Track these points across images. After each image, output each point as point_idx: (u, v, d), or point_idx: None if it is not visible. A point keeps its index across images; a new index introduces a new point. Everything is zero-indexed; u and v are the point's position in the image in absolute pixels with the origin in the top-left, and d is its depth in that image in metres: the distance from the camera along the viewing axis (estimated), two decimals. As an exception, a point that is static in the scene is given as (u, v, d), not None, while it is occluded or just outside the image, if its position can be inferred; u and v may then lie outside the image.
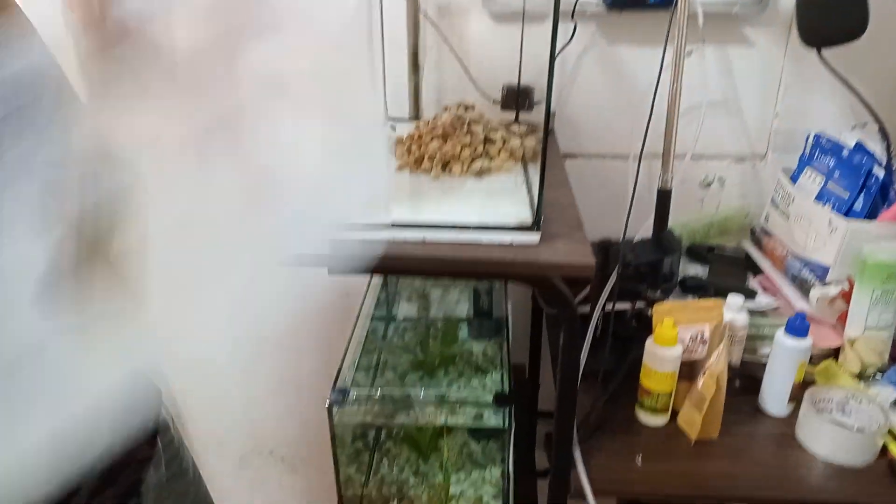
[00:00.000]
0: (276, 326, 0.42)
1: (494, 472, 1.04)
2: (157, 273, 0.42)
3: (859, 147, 1.03)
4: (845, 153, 1.05)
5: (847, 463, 0.85)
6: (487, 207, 0.83)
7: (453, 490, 1.02)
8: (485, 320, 1.23)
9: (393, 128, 1.11)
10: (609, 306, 0.98)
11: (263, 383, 1.57)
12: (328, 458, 0.96)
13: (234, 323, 0.44)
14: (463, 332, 1.22)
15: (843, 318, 1.01)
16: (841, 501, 0.82)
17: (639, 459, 0.87)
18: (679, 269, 1.07)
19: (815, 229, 1.05)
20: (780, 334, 0.89)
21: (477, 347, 1.18)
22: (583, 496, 0.84)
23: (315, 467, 1.66)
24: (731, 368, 0.95)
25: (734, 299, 0.97)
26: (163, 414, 0.79)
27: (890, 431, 0.87)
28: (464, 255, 0.74)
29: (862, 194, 1.01)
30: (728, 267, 1.18)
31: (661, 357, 0.88)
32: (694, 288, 1.11)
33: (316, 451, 1.64)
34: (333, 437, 0.90)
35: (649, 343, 0.89)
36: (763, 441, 0.90)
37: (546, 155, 0.73)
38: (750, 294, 1.09)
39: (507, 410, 0.85)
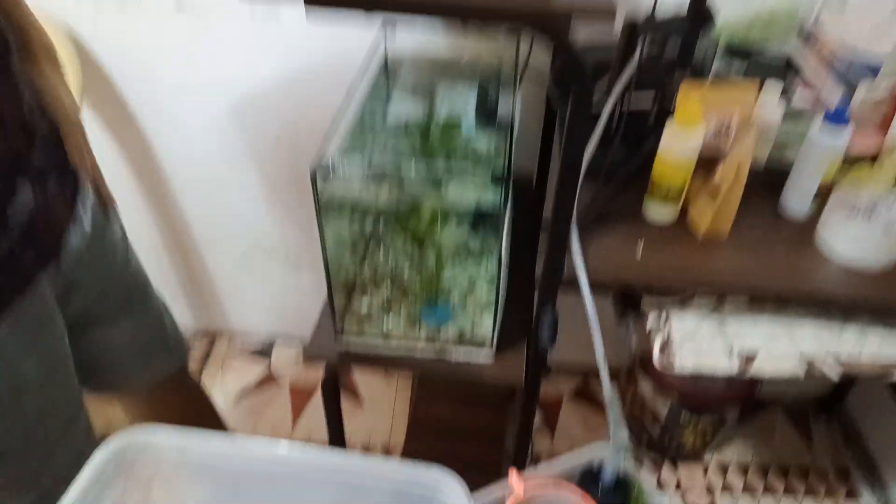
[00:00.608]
0: None
1: (490, 262, 1.01)
2: None
3: (950, -83, 0.87)
4: (931, -75, 0.88)
5: (864, 265, 0.79)
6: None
7: (448, 275, 1.00)
8: (490, 116, 1.14)
9: None
10: (627, 98, 0.88)
11: (263, 185, 1.52)
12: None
13: None
14: (467, 127, 1.14)
15: (885, 123, 0.91)
16: (851, 297, 0.77)
17: (639, 250, 0.82)
18: (714, 59, 0.95)
19: (874, 19, 0.91)
20: (816, 125, 0.80)
21: (479, 142, 1.10)
22: (575, 285, 0.80)
23: (316, 267, 1.66)
24: (753, 167, 0.87)
25: (772, 84, 0.86)
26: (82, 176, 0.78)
27: (916, 237, 0.80)
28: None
29: (941, -25, 0.86)
30: (767, 67, 1.06)
31: (680, 141, 0.79)
32: (726, 85, 1.00)
33: (317, 252, 1.63)
34: (318, 212, 0.85)
35: (668, 126, 0.80)
36: (776, 241, 0.84)
37: None
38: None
39: (502, 188, 0.79)
